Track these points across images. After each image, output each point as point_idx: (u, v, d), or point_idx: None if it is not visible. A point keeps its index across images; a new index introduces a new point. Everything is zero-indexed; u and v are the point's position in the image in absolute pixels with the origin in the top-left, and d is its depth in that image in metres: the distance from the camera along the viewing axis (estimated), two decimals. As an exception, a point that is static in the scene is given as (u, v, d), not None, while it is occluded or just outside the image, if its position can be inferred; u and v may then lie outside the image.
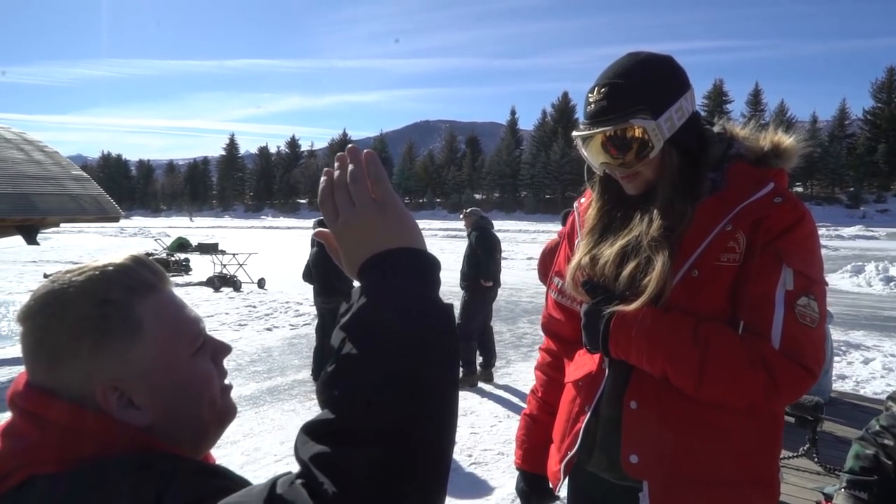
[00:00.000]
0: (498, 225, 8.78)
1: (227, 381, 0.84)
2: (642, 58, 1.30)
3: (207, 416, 0.79)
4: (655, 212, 1.28)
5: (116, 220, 9.12)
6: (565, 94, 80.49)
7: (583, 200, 1.52)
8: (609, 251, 1.33)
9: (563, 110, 78.04)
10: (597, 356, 1.37)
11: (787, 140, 1.35)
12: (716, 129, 1.39)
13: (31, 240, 8.14)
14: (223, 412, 0.81)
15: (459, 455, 4.50)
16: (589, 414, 1.37)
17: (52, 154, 9.25)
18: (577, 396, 1.42)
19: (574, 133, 1.34)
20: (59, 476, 0.66)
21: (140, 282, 0.75)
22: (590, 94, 1.30)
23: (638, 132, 1.24)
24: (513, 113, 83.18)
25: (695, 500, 1.25)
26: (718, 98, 69.02)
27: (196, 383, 0.78)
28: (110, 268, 0.75)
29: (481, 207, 8.53)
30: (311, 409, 5.54)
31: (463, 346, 6.35)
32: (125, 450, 0.69)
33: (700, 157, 1.31)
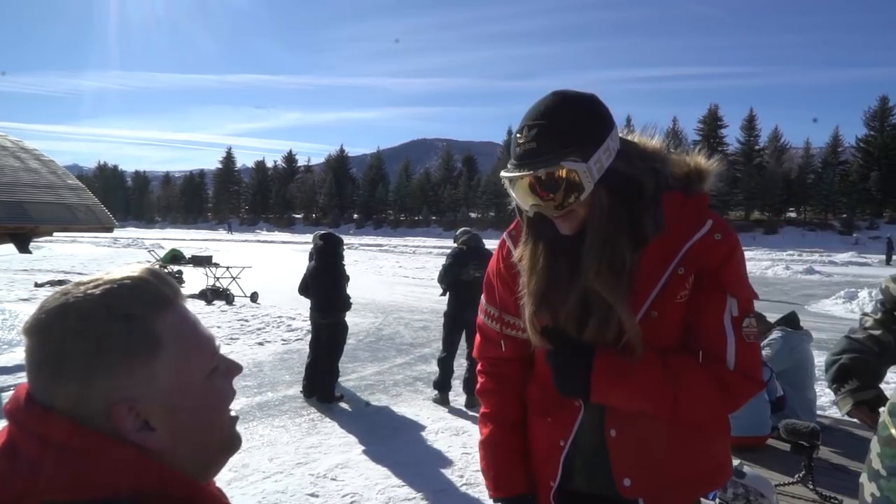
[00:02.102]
0: (493, 243, 8.76)
1: (233, 412, 0.80)
2: (570, 98, 1.29)
3: (217, 440, 0.76)
4: (594, 254, 1.30)
5: (111, 230, 9.07)
6: (511, 135, 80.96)
7: (514, 234, 1.52)
8: (562, 298, 1.35)
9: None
10: None
11: (704, 162, 1.43)
12: (638, 156, 1.37)
13: (24, 248, 8.07)
14: (230, 440, 0.79)
15: (451, 475, 4.45)
16: (567, 446, 1.44)
17: (49, 163, 9.22)
18: (550, 430, 1.47)
19: (502, 174, 1.31)
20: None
21: (159, 297, 0.73)
22: (518, 135, 1.28)
23: (568, 175, 1.23)
24: (509, 133, 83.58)
25: (682, 498, 1.42)
26: (713, 122, 69.39)
27: (212, 403, 0.75)
28: (128, 281, 0.72)
29: (476, 226, 8.51)
30: (300, 426, 5.47)
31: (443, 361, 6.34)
32: (138, 478, 0.67)
33: (631, 195, 1.32)
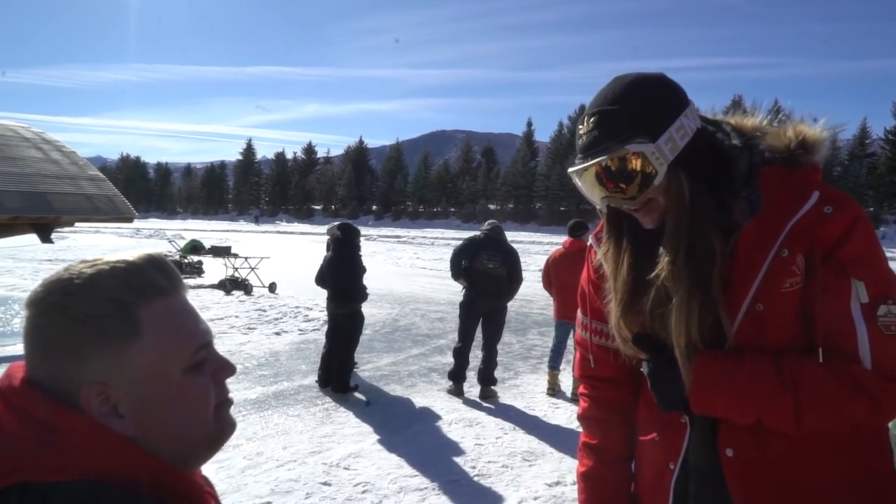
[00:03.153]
0: (512, 236, 8.74)
1: (229, 396, 0.79)
2: (632, 79, 1.19)
3: (197, 436, 0.75)
4: (672, 247, 1.16)
5: (130, 220, 9.15)
6: (582, 107, 79.96)
7: (600, 235, 1.37)
8: (649, 301, 1.21)
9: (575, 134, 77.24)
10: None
11: (810, 131, 1.21)
12: (734, 138, 1.24)
13: (46, 238, 8.18)
14: (216, 434, 0.77)
15: (464, 466, 4.45)
16: (677, 469, 1.26)
17: (70, 154, 9.33)
18: (656, 454, 1.31)
19: (569, 169, 1.22)
20: (55, 486, 0.62)
21: (149, 284, 0.72)
22: (580, 126, 1.19)
23: (636, 160, 1.12)
24: (529, 124, 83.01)
25: None
26: (736, 113, 68.47)
27: (186, 401, 0.73)
28: (121, 265, 0.71)
29: (496, 218, 8.49)
30: (315, 415, 5.51)
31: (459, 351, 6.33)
32: (120, 463, 0.66)
33: (719, 178, 1.18)
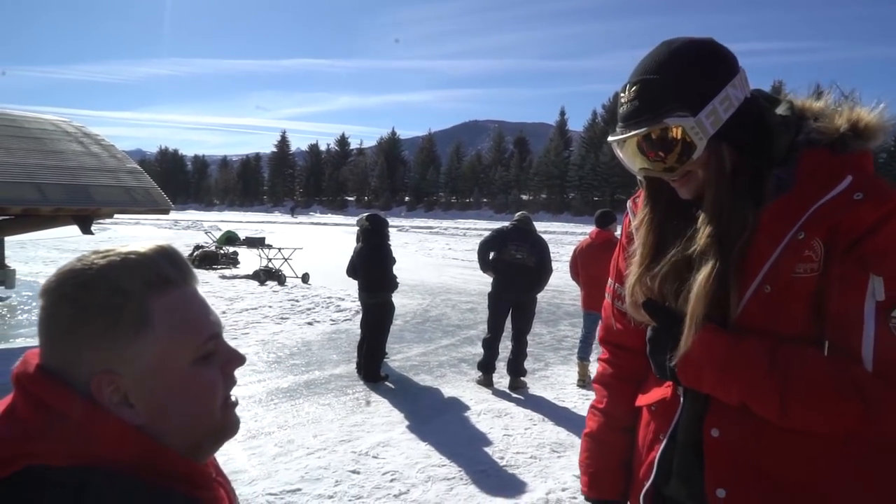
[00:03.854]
0: (544, 227, 8.71)
1: (233, 397, 0.80)
2: (677, 46, 1.14)
3: (203, 428, 0.76)
4: (708, 220, 1.13)
5: (167, 212, 9.38)
6: (616, 95, 79.02)
7: (638, 200, 1.35)
8: (666, 268, 1.20)
9: (614, 111, 76.01)
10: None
11: (867, 115, 1.15)
12: (780, 109, 1.20)
13: (86, 229, 8.44)
14: (221, 427, 0.78)
15: (492, 457, 4.46)
16: (665, 441, 1.26)
17: (109, 147, 9.58)
18: (651, 422, 1.31)
19: (609, 137, 1.20)
20: (59, 471, 0.64)
21: (159, 275, 0.73)
22: (622, 94, 1.16)
23: (676, 132, 1.09)
24: (562, 114, 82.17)
25: None
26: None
27: (195, 392, 0.74)
28: (133, 257, 0.73)
29: (528, 209, 8.47)
30: (346, 404, 5.57)
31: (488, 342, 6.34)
32: (127, 450, 0.68)
33: (762, 151, 1.14)
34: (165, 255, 0.75)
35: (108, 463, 0.66)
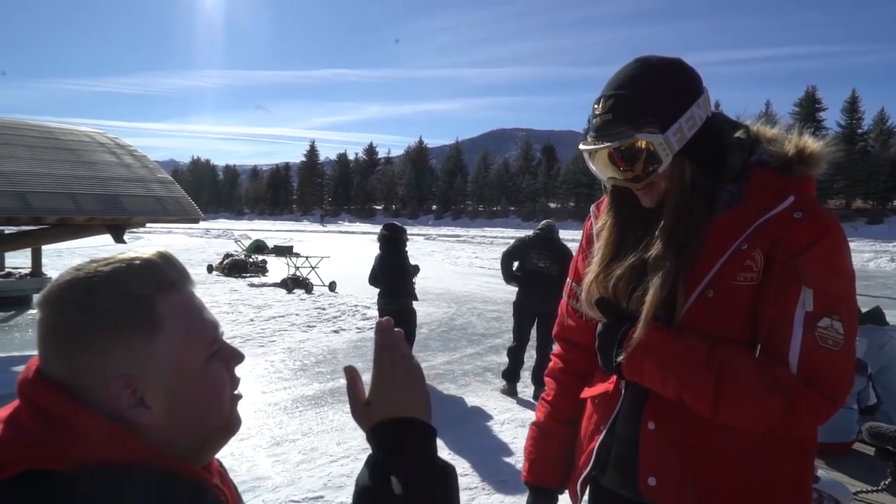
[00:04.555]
0: (572, 235, 8.64)
1: (236, 393, 0.82)
2: (649, 64, 1.23)
3: (214, 424, 0.78)
4: (666, 228, 1.23)
5: (197, 221, 9.55)
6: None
7: (601, 206, 1.45)
8: (621, 270, 1.29)
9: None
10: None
11: (812, 144, 1.26)
12: (738, 133, 1.30)
13: (119, 238, 8.63)
14: (229, 422, 0.81)
15: (515, 466, 4.42)
16: (604, 433, 1.35)
17: (141, 158, 9.80)
18: (593, 413, 1.40)
19: (580, 146, 1.28)
20: (59, 475, 0.65)
21: (164, 279, 0.75)
22: (596, 106, 1.24)
23: (645, 146, 1.18)
24: (590, 120, 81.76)
25: None
26: (811, 106, 65.37)
27: (208, 388, 0.77)
28: (137, 262, 0.74)
29: (556, 217, 8.42)
30: (369, 412, 5.59)
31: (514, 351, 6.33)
32: (127, 457, 0.69)
33: (718, 168, 1.24)
34: (165, 259, 0.77)
35: (107, 468, 0.67)
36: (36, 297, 0.72)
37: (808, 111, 64.33)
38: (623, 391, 1.33)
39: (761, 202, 1.19)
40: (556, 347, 1.59)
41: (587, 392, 1.46)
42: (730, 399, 1.13)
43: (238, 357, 0.82)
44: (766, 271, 1.16)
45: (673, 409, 1.22)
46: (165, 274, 0.76)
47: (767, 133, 1.31)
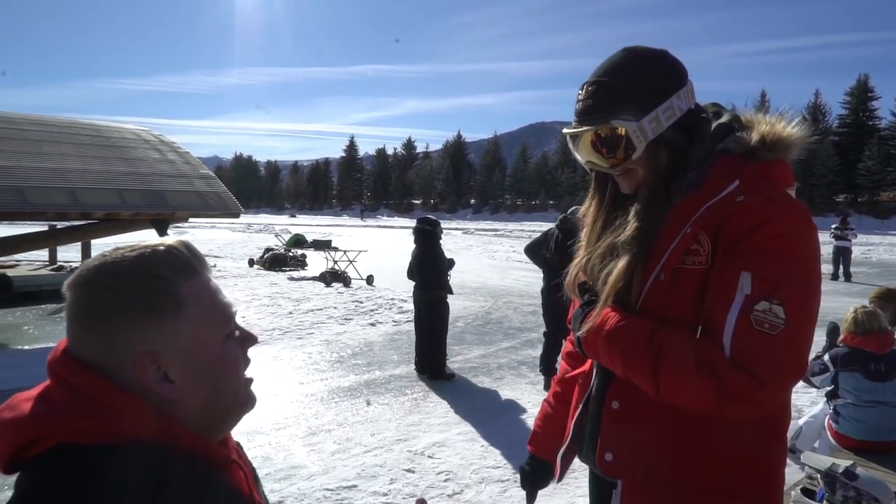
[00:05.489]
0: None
1: (249, 374, 0.87)
2: (635, 54, 1.27)
3: (230, 401, 0.83)
4: (636, 214, 1.27)
5: (237, 215, 9.77)
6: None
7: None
8: (595, 253, 1.35)
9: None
10: None
11: (779, 130, 1.27)
12: (724, 118, 1.32)
13: (163, 233, 8.89)
14: (244, 400, 0.86)
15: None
16: (580, 409, 1.43)
17: (184, 154, 10.06)
18: (576, 392, 1.49)
19: (564, 130, 1.34)
20: (88, 449, 0.70)
21: (185, 263, 0.81)
22: (580, 92, 1.28)
23: (621, 132, 1.22)
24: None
25: None
26: (863, 94, 63.04)
27: (225, 366, 0.82)
28: (161, 248, 0.80)
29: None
30: (403, 404, 5.65)
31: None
32: (150, 431, 0.73)
33: (686, 156, 1.26)
34: (186, 246, 0.83)
35: (133, 441, 0.71)
36: (65, 282, 0.77)
37: (860, 100, 62.05)
38: (595, 371, 1.40)
39: (713, 187, 1.21)
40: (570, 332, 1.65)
41: (572, 372, 1.55)
42: (666, 378, 1.14)
43: (252, 339, 0.87)
44: (713, 255, 1.18)
45: (633, 389, 1.24)
46: (186, 259, 0.81)
47: (753, 120, 1.32)
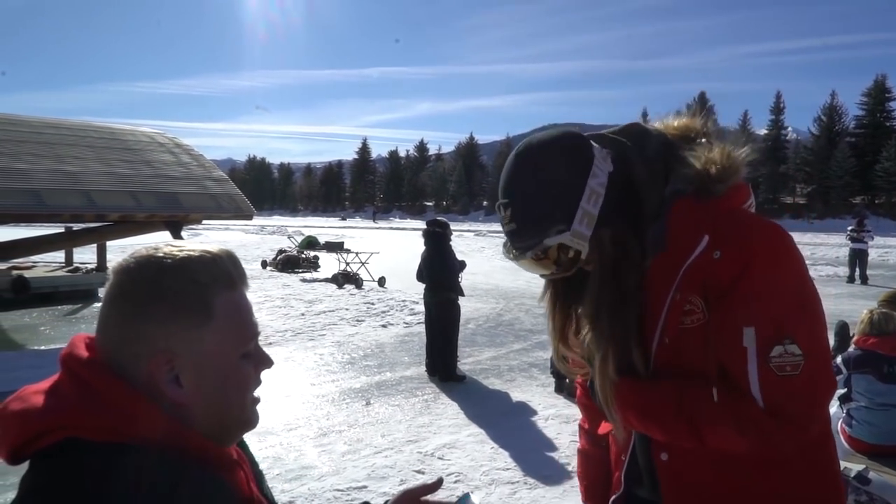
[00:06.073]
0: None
1: (257, 395, 0.87)
2: (530, 160, 1.19)
3: (234, 416, 0.83)
4: (600, 290, 1.20)
5: (250, 217, 9.84)
6: (702, 95, 76.18)
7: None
8: (584, 337, 1.28)
9: (699, 112, 73.33)
10: None
11: (718, 157, 1.20)
12: (651, 150, 1.25)
13: (177, 234, 8.97)
14: (248, 419, 0.86)
15: (558, 462, 4.42)
16: (626, 462, 1.36)
17: (198, 157, 10.15)
18: (613, 445, 1.43)
19: (503, 252, 1.29)
20: (96, 446, 0.70)
21: (225, 275, 0.82)
22: (499, 210, 1.23)
23: (558, 246, 1.17)
24: (644, 114, 79.46)
25: None
26: (880, 96, 62.23)
27: (236, 382, 0.82)
28: (207, 255, 0.81)
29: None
30: (414, 406, 5.66)
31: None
32: (159, 431, 0.74)
33: (638, 215, 1.20)
34: (231, 259, 0.84)
35: (142, 441, 0.72)
36: (111, 266, 0.79)
37: (877, 101, 61.34)
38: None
39: (682, 244, 1.16)
40: (578, 378, 1.57)
41: (603, 428, 1.47)
42: (710, 439, 1.13)
43: (267, 362, 0.88)
44: (708, 308, 1.14)
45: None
46: (228, 271, 0.82)
47: (687, 124, 1.31)
